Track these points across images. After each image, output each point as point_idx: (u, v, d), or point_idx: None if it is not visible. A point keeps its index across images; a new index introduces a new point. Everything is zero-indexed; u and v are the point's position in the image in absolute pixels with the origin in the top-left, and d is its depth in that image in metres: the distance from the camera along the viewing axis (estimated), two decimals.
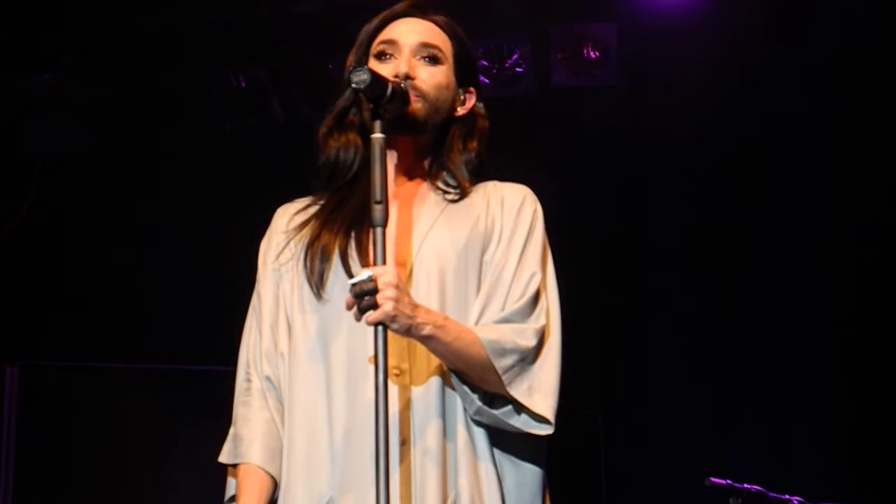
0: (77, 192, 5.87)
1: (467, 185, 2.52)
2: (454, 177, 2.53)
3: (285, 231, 2.53)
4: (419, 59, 2.50)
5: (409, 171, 2.54)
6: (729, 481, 4.39)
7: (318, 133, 2.54)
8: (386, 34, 2.53)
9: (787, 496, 4.45)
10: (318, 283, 2.42)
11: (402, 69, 2.46)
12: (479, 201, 2.51)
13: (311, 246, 2.45)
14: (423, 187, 2.53)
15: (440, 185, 2.52)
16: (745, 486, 4.39)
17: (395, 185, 2.51)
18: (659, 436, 5.77)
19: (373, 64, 2.49)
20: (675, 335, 5.81)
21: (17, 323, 5.71)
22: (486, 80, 5.52)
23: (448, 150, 2.54)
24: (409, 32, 2.52)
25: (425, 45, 2.51)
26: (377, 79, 2.34)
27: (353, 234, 2.43)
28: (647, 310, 5.86)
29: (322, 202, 2.53)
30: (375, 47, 2.53)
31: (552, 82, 5.58)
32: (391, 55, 2.50)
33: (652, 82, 5.59)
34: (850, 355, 5.64)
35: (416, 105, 2.46)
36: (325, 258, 2.43)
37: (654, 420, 5.79)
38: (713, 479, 4.41)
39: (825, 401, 5.65)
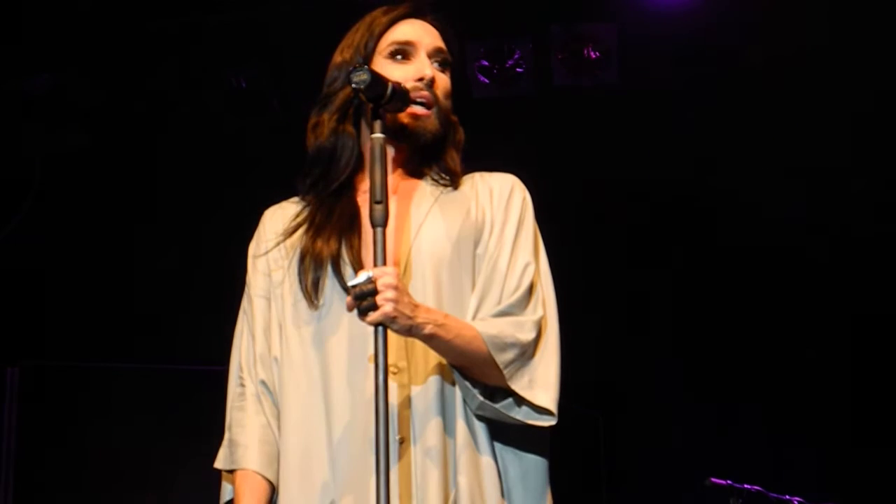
0: (77, 192, 5.87)
1: (458, 177, 2.52)
2: (447, 169, 2.53)
3: (275, 234, 2.53)
4: (434, 64, 2.51)
5: (405, 169, 2.54)
6: (729, 481, 4.39)
7: (311, 125, 2.53)
8: (399, 34, 2.52)
9: (787, 496, 4.45)
10: (312, 292, 2.42)
11: (428, 73, 2.47)
12: (468, 192, 2.51)
13: (304, 256, 2.45)
14: (414, 182, 2.53)
15: (433, 175, 2.53)
16: (746, 486, 4.39)
17: (391, 183, 2.50)
18: (659, 436, 5.77)
19: (384, 63, 2.49)
20: (675, 335, 5.81)
21: (17, 323, 5.71)
22: (486, 80, 5.52)
23: (445, 151, 2.54)
24: (425, 34, 2.52)
25: (440, 50, 2.52)
26: (377, 79, 2.34)
27: (343, 241, 2.43)
28: (647, 309, 5.87)
29: (311, 207, 2.52)
30: (387, 46, 2.51)
31: (552, 82, 5.58)
32: (408, 56, 2.50)
33: (652, 82, 5.59)
34: (850, 355, 5.65)
35: (432, 117, 2.47)
36: (319, 266, 2.43)
37: (655, 420, 5.79)
38: (713, 479, 4.41)
39: (826, 401, 5.65)
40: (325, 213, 2.48)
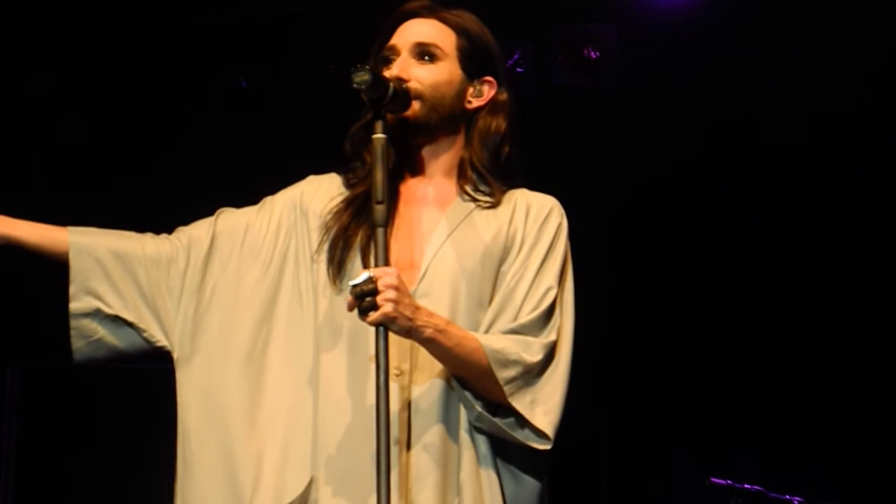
0: (76, 191, 5.86)
1: (497, 189, 2.51)
2: (483, 178, 2.52)
3: (331, 199, 2.53)
4: (415, 60, 2.52)
5: (433, 173, 2.54)
6: (729, 481, 4.39)
7: (348, 141, 2.54)
8: (391, 40, 2.55)
9: (787, 496, 4.44)
10: (336, 270, 2.44)
11: (395, 72, 2.48)
12: (504, 210, 2.50)
13: (338, 235, 2.46)
14: (451, 191, 2.53)
15: (469, 189, 2.52)
16: (746, 486, 4.39)
17: (417, 188, 2.52)
18: (659, 436, 5.76)
19: (383, 71, 2.50)
20: (675, 334, 5.80)
21: (17, 323, 5.70)
22: None
23: (471, 141, 2.55)
24: (407, 35, 2.54)
25: (419, 45, 2.53)
26: (378, 79, 2.35)
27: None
28: (647, 309, 5.86)
29: (354, 193, 2.52)
30: (384, 54, 2.55)
31: (553, 82, 5.57)
32: (392, 60, 2.52)
33: (652, 82, 5.58)
34: (850, 355, 5.64)
35: (415, 107, 2.47)
36: (347, 248, 2.44)
37: (654, 420, 5.78)
38: (713, 479, 4.41)
39: (826, 400, 5.65)
40: (363, 199, 2.48)
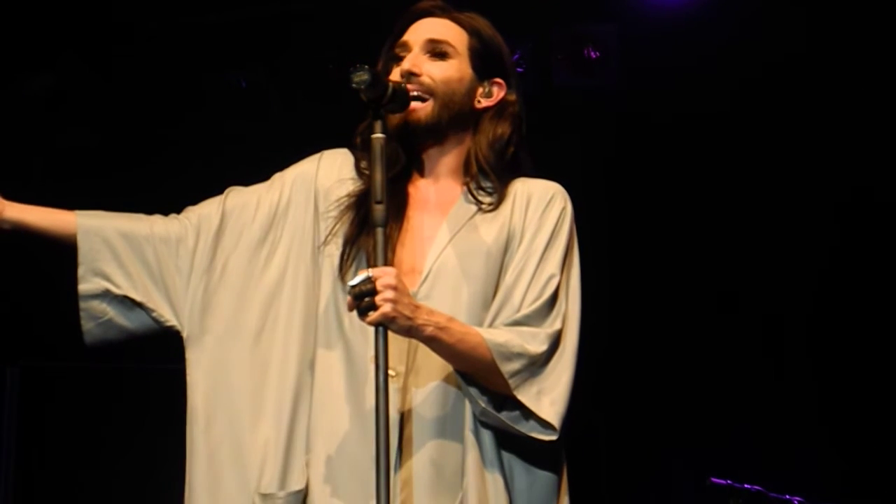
0: (77, 192, 5.86)
1: (500, 188, 2.50)
2: (487, 176, 2.51)
3: (331, 189, 2.52)
4: (427, 56, 2.52)
5: (439, 174, 2.54)
6: (729, 481, 4.39)
7: (359, 136, 2.53)
8: (403, 37, 2.56)
9: (787, 496, 4.44)
10: (339, 269, 2.44)
11: (406, 66, 2.49)
12: (505, 205, 2.49)
13: (347, 238, 2.45)
14: (454, 192, 2.53)
15: (473, 189, 2.51)
16: (746, 486, 4.39)
17: (423, 190, 2.52)
18: (659, 436, 5.76)
19: (394, 68, 2.52)
20: (675, 335, 5.80)
21: (17, 323, 5.70)
22: None
23: (478, 141, 2.54)
24: (420, 32, 2.55)
25: (432, 41, 2.54)
26: (377, 79, 2.35)
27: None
28: (647, 309, 5.85)
29: (362, 188, 2.50)
30: (395, 51, 2.55)
31: (552, 82, 5.57)
32: (403, 57, 2.53)
33: (652, 82, 5.58)
34: (850, 355, 5.64)
35: (426, 107, 2.48)
36: (352, 246, 2.45)
37: (655, 421, 5.78)
38: (713, 479, 4.41)
39: (825, 400, 5.65)
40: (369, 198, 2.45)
